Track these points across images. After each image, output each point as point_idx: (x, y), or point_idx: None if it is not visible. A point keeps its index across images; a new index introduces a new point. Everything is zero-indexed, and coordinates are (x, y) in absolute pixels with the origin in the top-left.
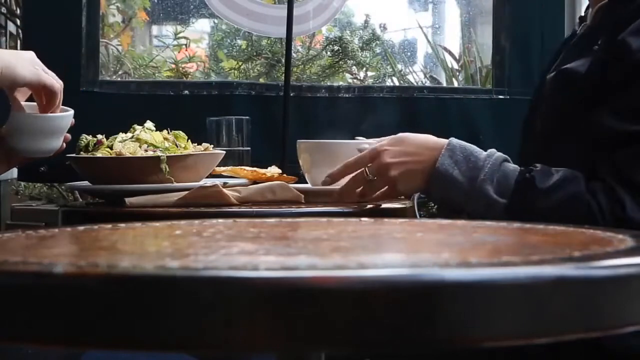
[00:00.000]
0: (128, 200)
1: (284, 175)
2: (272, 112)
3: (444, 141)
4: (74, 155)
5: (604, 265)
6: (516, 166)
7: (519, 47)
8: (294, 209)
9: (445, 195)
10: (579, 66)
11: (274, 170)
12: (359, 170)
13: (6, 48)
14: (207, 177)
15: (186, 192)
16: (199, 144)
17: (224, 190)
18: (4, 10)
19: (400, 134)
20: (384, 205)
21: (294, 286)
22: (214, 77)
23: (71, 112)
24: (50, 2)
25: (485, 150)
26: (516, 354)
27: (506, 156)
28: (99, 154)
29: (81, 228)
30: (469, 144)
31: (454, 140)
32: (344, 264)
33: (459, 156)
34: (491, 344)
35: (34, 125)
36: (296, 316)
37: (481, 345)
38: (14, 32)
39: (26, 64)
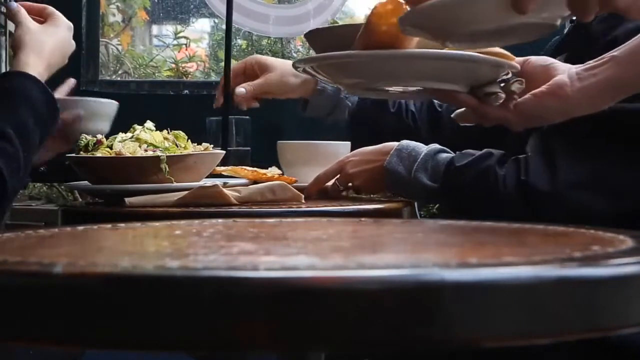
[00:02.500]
0: (128, 200)
1: (284, 176)
2: (272, 112)
3: (396, 144)
4: (73, 155)
5: (605, 266)
6: (450, 153)
7: (519, 46)
8: (294, 209)
9: (398, 191)
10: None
11: (274, 170)
12: (331, 182)
13: (6, 48)
14: (207, 177)
15: (186, 192)
16: (199, 144)
17: (224, 190)
18: (3, 9)
19: None
20: (384, 206)
21: (294, 286)
22: (214, 77)
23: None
24: (49, 2)
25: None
26: (516, 354)
27: (444, 147)
28: (98, 154)
29: (81, 228)
30: (419, 143)
31: (404, 141)
32: (344, 264)
33: (404, 153)
34: (491, 344)
35: (101, 109)
36: (296, 316)
37: (481, 345)
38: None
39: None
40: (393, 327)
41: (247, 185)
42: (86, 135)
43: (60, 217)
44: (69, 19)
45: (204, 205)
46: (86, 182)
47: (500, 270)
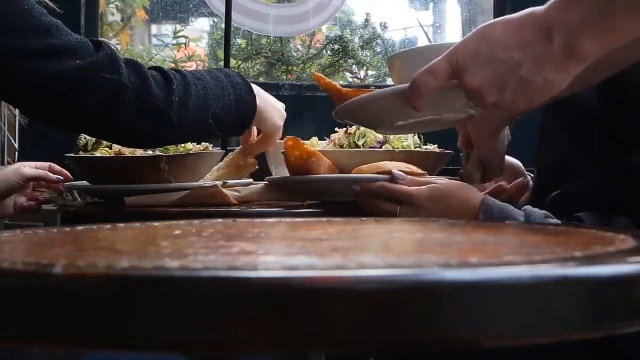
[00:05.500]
0: (128, 200)
1: None
2: None
3: (477, 203)
4: (72, 155)
5: (606, 265)
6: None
7: None
8: (294, 209)
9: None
10: None
11: None
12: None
13: None
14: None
15: (186, 192)
16: (199, 143)
17: (224, 190)
18: None
19: (441, 188)
20: None
21: (294, 286)
22: None
23: None
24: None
25: None
26: (518, 355)
27: (547, 212)
28: (98, 154)
29: (80, 228)
30: (507, 205)
31: (490, 200)
32: (344, 264)
33: (495, 217)
34: (491, 344)
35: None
36: (296, 316)
37: (481, 345)
38: None
39: (276, 116)
40: (393, 327)
41: (247, 185)
42: (85, 136)
43: (59, 217)
44: (67, 18)
45: (204, 205)
46: (85, 182)
47: (501, 270)
